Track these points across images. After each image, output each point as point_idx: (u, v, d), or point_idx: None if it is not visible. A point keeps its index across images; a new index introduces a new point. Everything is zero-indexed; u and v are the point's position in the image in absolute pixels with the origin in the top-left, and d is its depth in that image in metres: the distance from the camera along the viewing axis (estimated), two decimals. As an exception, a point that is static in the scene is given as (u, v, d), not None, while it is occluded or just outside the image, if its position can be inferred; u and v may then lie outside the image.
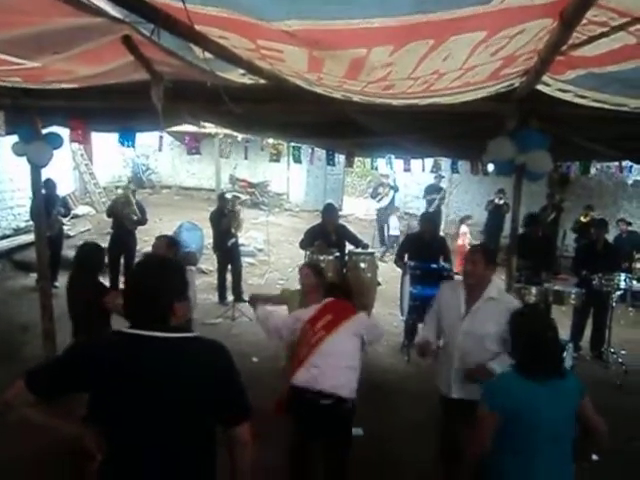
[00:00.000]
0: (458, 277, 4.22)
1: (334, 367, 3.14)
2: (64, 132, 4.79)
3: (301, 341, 3.30)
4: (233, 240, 7.83)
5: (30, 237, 7.96)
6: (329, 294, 3.56)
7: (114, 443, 1.84)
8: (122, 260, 7.94)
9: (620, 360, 6.20)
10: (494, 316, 3.08)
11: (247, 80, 3.07)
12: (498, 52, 2.00)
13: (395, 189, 12.20)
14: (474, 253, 3.34)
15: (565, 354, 5.78)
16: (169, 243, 4.45)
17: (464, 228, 10.75)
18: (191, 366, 1.81)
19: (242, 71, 2.73)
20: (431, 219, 7.07)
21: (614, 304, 6.23)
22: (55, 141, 4.56)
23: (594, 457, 4.15)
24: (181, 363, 1.81)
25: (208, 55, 2.13)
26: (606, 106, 3.09)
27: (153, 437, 1.80)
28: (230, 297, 7.93)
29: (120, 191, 8.73)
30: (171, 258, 3.47)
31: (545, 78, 2.72)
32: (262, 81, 2.99)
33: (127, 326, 1.88)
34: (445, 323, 3.40)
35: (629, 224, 9.27)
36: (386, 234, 12.16)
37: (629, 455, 4.23)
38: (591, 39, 1.86)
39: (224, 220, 7.80)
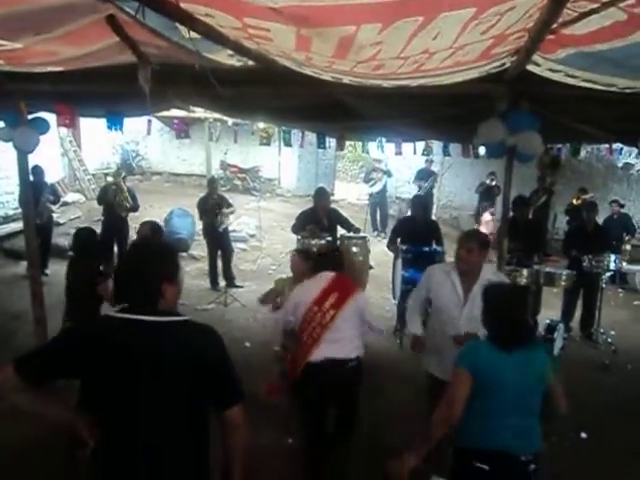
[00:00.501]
0: (450, 260, 4.21)
1: (349, 335, 3.36)
2: (51, 118, 4.73)
3: (311, 321, 3.32)
4: (224, 226, 7.79)
5: (19, 225, 7.88)
6: (321, 267, 3.53)
7: (105, 428, 1.84)
8: (115, 248, 7.90)
9: (609, 340, 6.28)
10: None
11: (235, 62, 3.02)
12: (488, 30, 1.98)
13: (388, 174, 12.17)
14: (469, 240, 3.28)
15: (556, 334, 5.88)
16: (153, 228, 4.48)
17: (487, 216, 10.44)
18: (181, 349, 1.81)
19: (230, 52, 2.69)
20: (422, 202, 7.08)
21: (604, 285, 6.29)
22: (41, 126, 4.49)
23: (582, 435, 4.26)
24: (170, 347, 1.80)
25: (194, 35, 2.09)
26: (596, 86, 3.08)
27: (144, 421, 1.80)
28: (222, 282, 7.92)
29: (110, 178, 8.64)
30: (163, 242, 3.47)
31: (535, 57, 2.71)
32: (251, 62, 2.95)
33: (116, 310, 1.88)
34: (440, 308, 3.38)
35: (622, 206, 9.32)
36: (378, 219, 12.16)
37: (615, 432, 4.30)
38: (582, 16, 1.85)
39: (210, 205, 7.75)
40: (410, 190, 13.11)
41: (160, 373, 1.78)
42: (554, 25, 1.99)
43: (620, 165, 10.87)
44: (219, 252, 7.97)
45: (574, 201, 9.65)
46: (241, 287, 7.92)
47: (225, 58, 2.86)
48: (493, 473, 2.40)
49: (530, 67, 2.96)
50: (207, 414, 1.91)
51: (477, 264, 3.26)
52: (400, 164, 13.55)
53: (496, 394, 2.39)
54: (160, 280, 1.85)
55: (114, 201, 8.02)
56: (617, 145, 7.19)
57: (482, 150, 5.62)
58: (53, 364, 1.83)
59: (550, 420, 2.56)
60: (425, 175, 12.33)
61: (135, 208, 8.22)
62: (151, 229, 4.46)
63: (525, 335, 2.46)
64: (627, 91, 3.09)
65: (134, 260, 1.92)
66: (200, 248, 9.19)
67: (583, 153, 7.32)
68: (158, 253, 1.93)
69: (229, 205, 7.96)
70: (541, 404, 2.46)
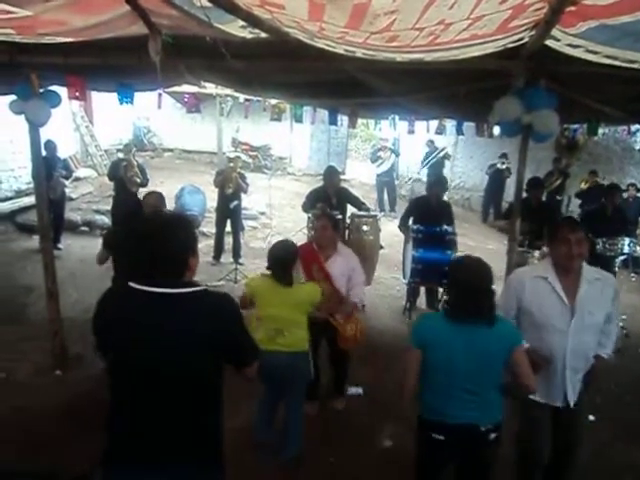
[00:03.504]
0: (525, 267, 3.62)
1: None
2: (62, 91, 4.70)
3: None
4: (236, 202, 7.76)
5: (32, 199, 7.92)
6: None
7: (120, 397, 1.87)
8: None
9: (621, 324, 6.22)
10: (600, 298, 2.75)
11: (248, 34, 2.97)
12: (507, 0, 1.91)
13: (396, 153, 12.05)
14: (578, 232, 2.73)
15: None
16: (160, 198, 4.50)
17: None
18: (200, 318, 1.83)
19: (242, 23, 2.64)
20: (439, 183, 6.98)
21: (617, 269, 6.21)
22: (53, 99, 4.47)
23: (590, 417, 4.25)
24: (190, 317, 1.82)
25: (206, 3, 2.05)
26: (617, 63, 2.99)
27: (160, 390, 1.82)
28: (223, 259, 8.05)
29: (120, 154, 8.67)
30: (184, 215, 3.49)
31: (555, 32, 2.62)
32: (263, 35, 2.90)
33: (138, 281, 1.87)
34: (543, 323, 2.79)
35: (639, 190, 9.19)
36: (386, 199, 12.10)
37: (626, 414, 4.29)
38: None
39: (218, 178, 7.75)
40: (423, 170, 13.01)
41: (178, 342, 1.80)
42: (576, -5, 1.92)
43: (638, 148, 10.66)
44: (227, 228, 8.04)
45: (582, 185, 9.51)
46: (242, 264, 7.91)
47: (237, 30, 2.81)
48: (450, 443, 2.51)
49: (549, 42, 2.87)
50: (221, 378, 1.96)
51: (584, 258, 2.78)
52: (413, 143, 13.45)
53: (446, 367, 2.44)
54: (187, 254, 1.88)
55: (125, 177, 8.04)
56: (635, 127, 7.05)
57: (496, 130, 5.52)
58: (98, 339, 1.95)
59: (516, 397, 2.61)
60: (427, 155, 12.38)
61: (145, 183, 8.24)
62: (158, 198, 4.50)
63: (481, 309, 2.41)
64: (649, 68, 2.99)
65: (164, 234, 1.87)
66: (211, 225, 9.21)
67: (600, 133, 7.17)
68: (186, 227, 1.94)
69: (244, 182, 7.92)
70: (503, 378, 2.50)
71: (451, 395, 2.47)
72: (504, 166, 11.27)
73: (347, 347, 4.03)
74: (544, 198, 7.86)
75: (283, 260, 3.33)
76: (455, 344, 2.41)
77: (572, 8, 2.10)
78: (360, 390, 4.54)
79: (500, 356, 2.44)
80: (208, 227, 9.35)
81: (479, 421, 2.47)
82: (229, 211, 7.78)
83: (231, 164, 7.87)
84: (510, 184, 10.34)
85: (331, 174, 6.50)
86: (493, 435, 2.50)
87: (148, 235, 1.89)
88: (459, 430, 2.48)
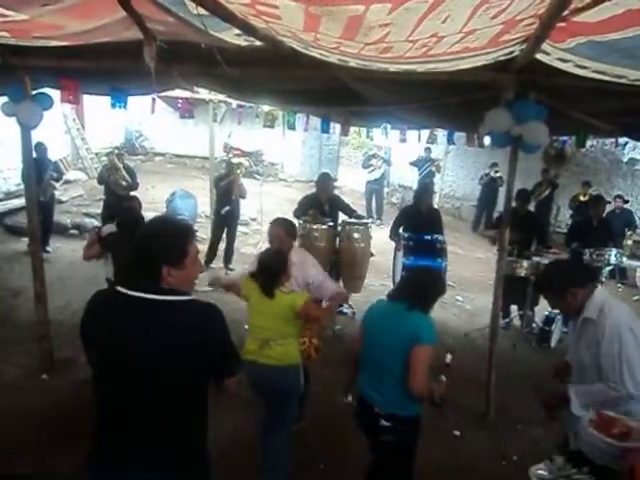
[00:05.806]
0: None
1: None
2: (54, 94, 4.69)
3: None
4: (227, 208, 7.77)
5: (21, 201, 7.89)
6: None
7: (102, 402, 1.87)
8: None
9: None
10: (588, 342, 2.48)
11: (242, 42, 2.99)
12: (499, 15, 1.95)
13: (388, 163, 12.14)
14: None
15: (554, 327, 5.88)
16: (139, 202, 4.88)
17: None
18: (180, 327, 1.81)
19: (237, 31, 2.65)
20: (428, 190, 7.03)
21: (603, 280, 6.28)
22: (45, 101, 4.46)
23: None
24: (169, 324, 1.80)
25: (202, 11, 2.06)
26: (606, 77, 3.04)
27: (140, 397, 1.81)
28: (214, 264, 8.03)
29: (103, 158, 8.67)
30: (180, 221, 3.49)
31: (545, 46, 2.67)
32: (258, 43, 2.92)
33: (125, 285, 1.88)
34: None
35: (626, 202, 9.30)
36: (374, 207, 12.18)
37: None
38: (595, 2, 1.82)
39: (220, 185, 7.76)
40: (413, 178, 13.09)
41: (157, 350, 1.78)
42: (566, 12, 1.96)
43: (625, 160, 10.81)
44: (223, 235, 8.03)
45: (581, 197, 9.57)
46: (233, 270, 7.90)
47: (232, 37, 2.83)
48: (359, 413, 2.88)
49: (539, 56, 2.92)
50: (205, 389, 1.93)
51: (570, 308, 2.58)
52: (402, 152, 13.53)
53: (369, 338, 2.80)
54: (160, 264, 1.83)
55: (109, 180, 8.02)
56: (623, 139, 7.14)
57: (487, 140, 5.58)
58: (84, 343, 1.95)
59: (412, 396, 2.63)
60: (421, 162, 12.41)
61: (134, 186, 8.20)
62: (139, 204, 4.82)
63: (403, 291, 2.84)
64: (637, 83, 3.05)
65: (140, 241, 1.90)
66: (202, 230, 9.21)
67: (588, 145, 7.27)
68: (161, 238, 1.87)
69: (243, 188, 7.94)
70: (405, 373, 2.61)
71: (365, 367, 2.82)
72: (498, 174, 11.36)
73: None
74: (533, 209, 7.93)
75: (270, 269, 3.24)
76: (380, 319, 2.77)
77: (562, 24, 2.15)
78: (349, 398, 4.54)
79: (403, 344, 2.58)
80: (199, 232, 9.32)
81: (375, 402, 2.72)
82: (228, 217, 7.79)
83: (238, 171, 7.86)
84: (503, 193, 10.44)
85: (325, 181, 6.53)
86: (385, 423, 2.68)
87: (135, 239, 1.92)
88: (362, 403, 2.80)
